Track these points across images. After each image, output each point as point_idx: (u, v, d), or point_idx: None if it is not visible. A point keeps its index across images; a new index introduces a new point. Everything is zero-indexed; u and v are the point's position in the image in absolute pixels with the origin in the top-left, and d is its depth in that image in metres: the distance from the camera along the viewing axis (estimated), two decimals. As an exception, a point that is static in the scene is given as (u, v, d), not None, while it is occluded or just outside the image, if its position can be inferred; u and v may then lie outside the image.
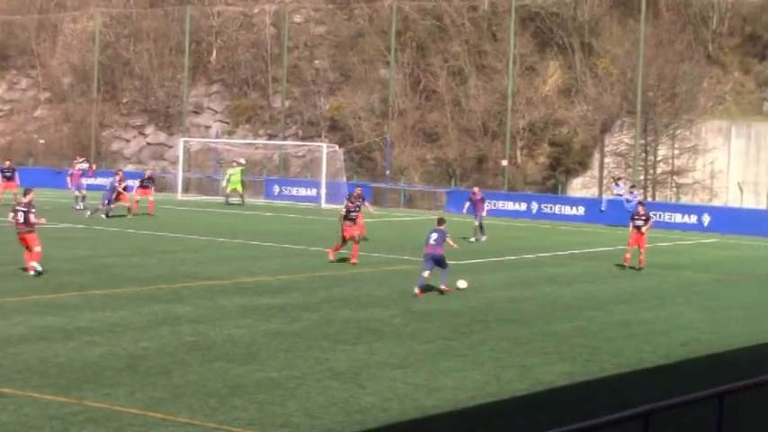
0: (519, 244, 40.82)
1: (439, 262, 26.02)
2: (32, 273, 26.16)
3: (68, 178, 54.98)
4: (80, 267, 28.22)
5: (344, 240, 31.81)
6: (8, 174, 53.72)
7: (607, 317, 23.32)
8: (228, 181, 59.87)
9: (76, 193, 51.63)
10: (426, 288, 25.38)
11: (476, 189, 43.31)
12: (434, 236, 26.13)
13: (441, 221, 27.16)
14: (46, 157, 78.43)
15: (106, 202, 46.37)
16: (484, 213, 41.75)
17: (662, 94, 60.83)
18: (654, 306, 25.43)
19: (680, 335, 21.27)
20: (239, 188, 59.59)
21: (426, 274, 25.49)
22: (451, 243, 26.79)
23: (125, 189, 47.88)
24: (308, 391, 15.11)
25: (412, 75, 69.95)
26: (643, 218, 33.54)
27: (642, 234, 33.18)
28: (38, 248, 26.61)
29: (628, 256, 33.34)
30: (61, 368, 15.96)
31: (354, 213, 32.67)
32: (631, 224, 33.73)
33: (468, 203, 42.47)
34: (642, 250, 33.25)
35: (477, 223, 41.09)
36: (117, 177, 47.80)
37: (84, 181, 53.62)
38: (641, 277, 31.61)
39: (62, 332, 18.80)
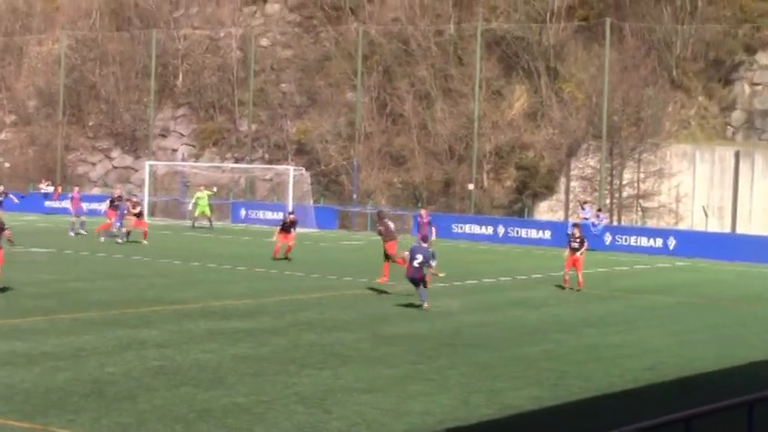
0: (486, 268, 40.87)
1: (416, 283, 26.57)
2: None
3: (69, 202, 54.57)
4: (46, 291, 28.01)
5: (388, 258, 31.72)
6: None
7: (575, 340, 23.35)
8: (196, 205, 59.66)
9: (74, 218, 50.87)
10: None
11: (422, 212, 42.84)
12: (419, 258, 26.57)
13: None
14: (11, 181, 77.85)
15: (118, 225, 46.20)
16: (432, 237, 40.41)
17: (627, 119, 61.20)
18: (621, 330, 25.50)
19: (647, 358, 21.32)
20: (207, 212, 59.41)
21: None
22: (435, 271, 27.32)
23: (139, 215, 47.70)
24: (276, 416, 15.02)
25: (378, 98, 70.09)
26: (578, 240, 33.84)
27: (578, 257, 33.52)
28: None
29: (567, 278, 33.77)
30: (27, 394, 15.80)
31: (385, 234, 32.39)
32: (568, 247, 34.03)
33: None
34: (579, 272, 33.60)
35: None
36: (129, 203, 47.80)
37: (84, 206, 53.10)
38: (608, 301, 31.71)
39: (27, 357, 18.63)
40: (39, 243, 43.90)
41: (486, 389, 17.58)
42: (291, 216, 41.81)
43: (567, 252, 34.11)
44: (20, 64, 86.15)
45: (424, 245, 28.24)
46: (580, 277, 33.57)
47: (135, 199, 49.74)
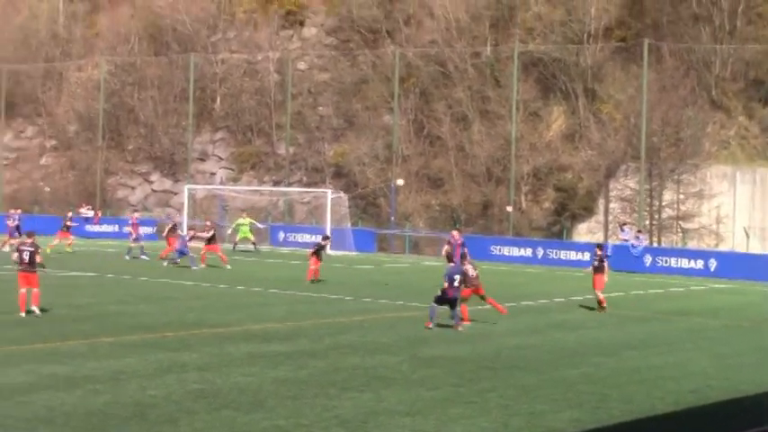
0: (525, 290, 40.69)
1: (453, 303, 26.87)
2: (36, 312, 27.09)
3: (129, 228, 54.86)
4: (86, 315, 28.15)
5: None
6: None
7: (615, 363, 23.16)
8: (237, 231, 59.76)
9: (133, 243, 51.25)
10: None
11: (454, 233, 42.51)
12: (458, 278, 27.09)
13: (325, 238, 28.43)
14: (51, 205, 78.48)
15: (181, 251, 46.58)
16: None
17: (666, 140, 60.90)
18: (663, 352, 25.26)
19: (690, 381, 21.10)
20: (250, 236, 59.35)
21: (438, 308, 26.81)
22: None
23: (211, 239, 48.11)
24: (317, 440, 14.99)
25: (416, 121, 70.15)
26: (599, 259, 33.94)
27: (600, 276, 33.60)
28: (37, 289, 27.28)
29: (601, 297, 33.67)
30: (67, 417, 15.85)
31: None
32: (591, 266, 34.21)
33: (447, 247, 42.13)
34: (598, 291, 33.64)
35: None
36: (205, 228, 48.62)
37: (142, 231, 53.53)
38: (649, 323, 31.47)
39: (68, 380, 18.69)
40: (79, 267, 44.18)
41: (526, 411, 17.47)
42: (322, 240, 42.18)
43: (591, 271, 34.08)
44: (60, 89, 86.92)
45: (457, 264, 28.33)
46: (599, 296, 33.54)
47: (209, 224, 50.08)
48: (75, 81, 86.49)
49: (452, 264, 28.39)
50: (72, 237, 55.18)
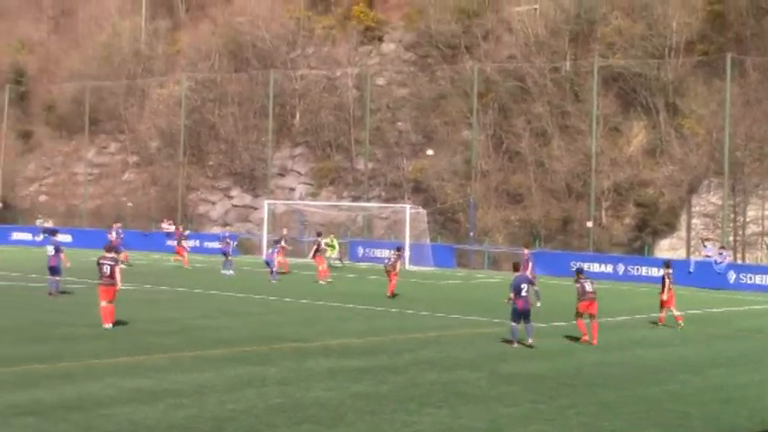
0: (605, 306, 40.21)
1: (527, 316, 26.52)
2: (108, 326, 27.70)
3: (221, 243, 54.89)
4: (168, 329, 28.42)
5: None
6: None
7: (700, 381, 22.82)
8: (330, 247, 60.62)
9: (227, 257, 51.53)
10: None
11: (525, 250, 41.98)
12: (525, 287, 26.68)
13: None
14: (134, 220, 79.51)
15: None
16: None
17: (750, 154, 60.06)
18: (749, 370, 24.83)
19: (776, 400, 20.74)
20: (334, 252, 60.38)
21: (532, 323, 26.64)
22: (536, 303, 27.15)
23: (317, 252, 49.49)
24: (397, 455, 14.96)
25: (495, 136, 69.99)
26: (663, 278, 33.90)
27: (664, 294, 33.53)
28: (112, 303, 28.12)
29: (662, 315, 33.82)
30: (150, 430, 15.99)
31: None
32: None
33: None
34: (664, 309, 33.81)
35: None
36: (323, 241, 51.00)
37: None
38: (734, 340, 30.99)
39: (151, 394, 18.88)
40: (161, 281, 44.64)
41: (606, 429, 17.28)
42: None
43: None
44: (142, 106, 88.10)
45: (524, 274, 27.80)
46: (675, 313, 33.51)
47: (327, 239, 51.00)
48: (157, 97, 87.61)
49: (518, 273, 27.69)
50: (185, 253, 56.10)
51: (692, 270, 54.67)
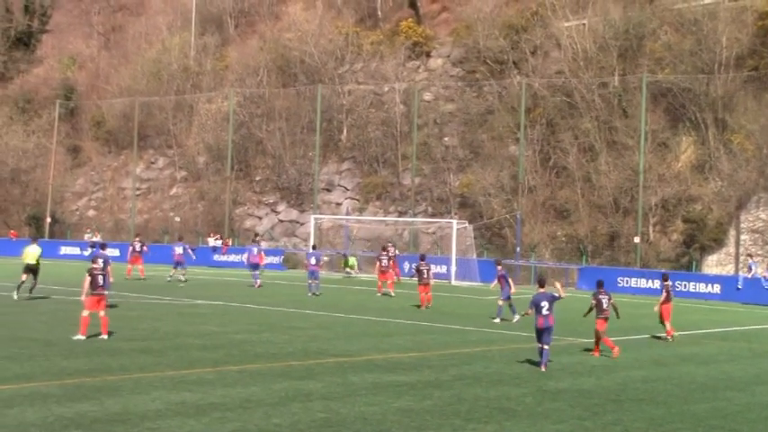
0: (653, 322, 39.99)
1: (549, 333, 25.69)
2: (105, 337, 28.35)
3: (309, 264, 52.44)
4: (212, 343, 28.55)
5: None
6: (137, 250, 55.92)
7: (747, 398, 22.62)
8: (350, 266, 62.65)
9: (311, 280, 48.57)
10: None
11: (498, 267, 41.63)
12: (546, 304, 25.80)
13: (541, 283, 26.76)
14: (182, 235, 79.98)
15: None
16: (510, 290, 37.86)
17: (799, 170, 59.52)
18: (796, 387, 24.61)
19: (824, 418, 20.50)
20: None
21: (545, 346, 25.56)
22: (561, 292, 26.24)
23: (384, 264, 49.98)
24: (440, 471, 14.93)
25: (542, 151, 69.84)
26: (665, 290, 33.94)
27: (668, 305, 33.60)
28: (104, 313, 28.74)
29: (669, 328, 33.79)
30: (194, 443, 16.08)
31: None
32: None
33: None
34: (667, 321, 33.67)
35: (500, 302, 38.03)
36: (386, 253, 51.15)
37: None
38: (781, 357, 30.69)
39: (196, 408, 18.97)
40: (207, 296, 44.86)
41: (654, 446, 17.16)
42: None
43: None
44: (190, 121, 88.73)
45: (544, 290, 26.36)
46: (668, 327, 33.66)
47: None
48: (205, 113, 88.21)
49: (542, 290, 26.48)
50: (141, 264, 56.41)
51: (740, 286, 54.24)
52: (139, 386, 21.05)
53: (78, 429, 16.73)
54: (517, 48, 74.85)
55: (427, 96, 78.46)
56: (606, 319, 28.88)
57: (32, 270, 41.01)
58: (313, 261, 48.32)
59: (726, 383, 24.71)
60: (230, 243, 74.02)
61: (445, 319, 37.39)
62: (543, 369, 25.34)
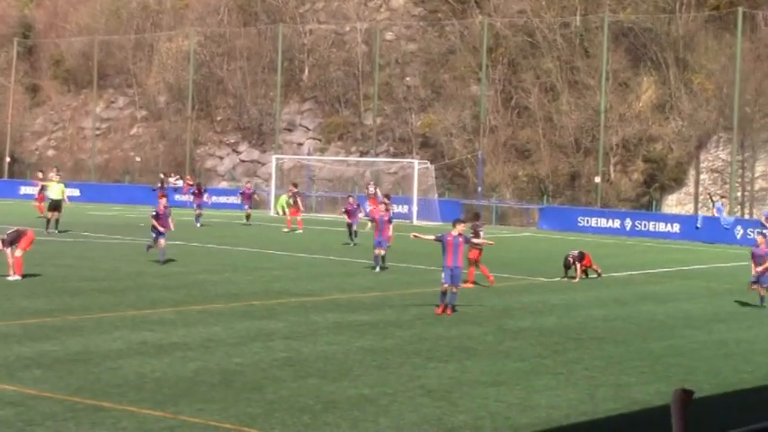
0: (613, 262, 40.34)
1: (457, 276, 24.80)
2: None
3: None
4: (174, 283, 28.53)
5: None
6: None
7: (704, 336, 22.92)
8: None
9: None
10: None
11: (350, 199, 45.31)
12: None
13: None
14: (142, 175, 79.63)
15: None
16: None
17: (759, 110, 59.89)
18: (753, 325, 24.93)
19: (780, 355, 20.81)
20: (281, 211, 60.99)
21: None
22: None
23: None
24: (401, 409, 15.04)
25: (503, 91, 69.82)
26: None
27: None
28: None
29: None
30: (157, 383, 16.10)
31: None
32: None
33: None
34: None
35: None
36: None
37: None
38: (739, 296, 31.03)
39: (157, 347, 18.99)
40: (168, 236, 44.68)
41: (612, 383, 17.37)
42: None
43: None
44: (150, 61, 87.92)
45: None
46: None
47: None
48: (166, 52, 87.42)
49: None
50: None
51: (699, 225, 54.74)
52: (101, 326, 21.03)
53: (39, 368, 16.71)
54: (479, -13, 74.54)
55: (389, 36, 78.09)
56: (481, 250, 30.11)
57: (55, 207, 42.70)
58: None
59: (684, 322, 25.01)
60: (192, 183, 73.65)
61: (407, 259, 37.49)
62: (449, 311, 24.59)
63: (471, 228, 30.66)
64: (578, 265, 32.83)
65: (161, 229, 33.08)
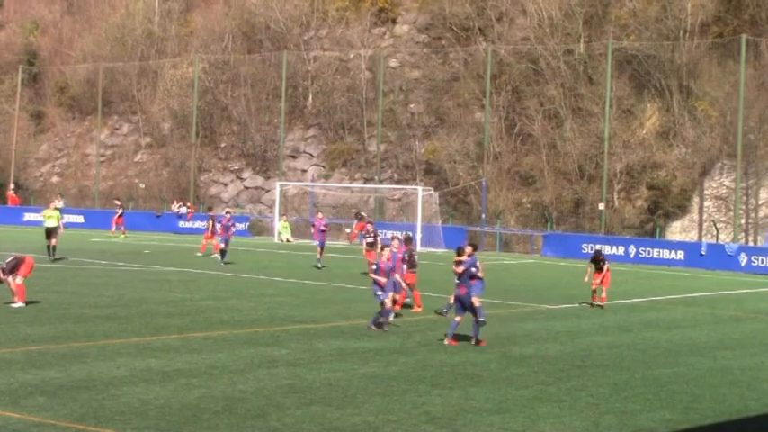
0: (617, 288, 40.26)
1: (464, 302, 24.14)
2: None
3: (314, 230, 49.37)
4: (178, 310, 28.50)
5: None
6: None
7: (709, 363, 22.85)
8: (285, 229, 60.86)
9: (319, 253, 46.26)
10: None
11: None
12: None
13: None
14: (146, 201, 79.63)
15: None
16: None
17: (763, 137, 59.90)
18: (758, 352, 24.86)
19: (785, 382, 20.74)
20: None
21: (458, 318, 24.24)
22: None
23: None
24: (405, 436, 15.00)
25: (507, 118, 69.91)
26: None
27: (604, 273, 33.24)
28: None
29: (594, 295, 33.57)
30: (161, 410, 16.07)
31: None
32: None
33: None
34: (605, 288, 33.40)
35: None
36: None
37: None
38: (744, 323, 31.00)
39: (161, 374, 18.95)
40: (172, 263, 44.72)
41: (617, 410, 17.31)
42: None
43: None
44: (155, 87, 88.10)
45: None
46: (604, 294, 33.42)
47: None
48: (170, 79, 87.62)
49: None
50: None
51: (703, 252, 54.66)
52: (104, 353, 21.00)
53: (43, 396, 16.68)
54: (483, 14, 74.75)
55: (393, 63, 78.28)
56: (415, 272, 30.51)
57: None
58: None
59: (689, 348, 24.94)
60: (195, 210, 73.72)
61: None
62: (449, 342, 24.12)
63: (407, 252, 30.47)
64: (605, 266, 32.87)
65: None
